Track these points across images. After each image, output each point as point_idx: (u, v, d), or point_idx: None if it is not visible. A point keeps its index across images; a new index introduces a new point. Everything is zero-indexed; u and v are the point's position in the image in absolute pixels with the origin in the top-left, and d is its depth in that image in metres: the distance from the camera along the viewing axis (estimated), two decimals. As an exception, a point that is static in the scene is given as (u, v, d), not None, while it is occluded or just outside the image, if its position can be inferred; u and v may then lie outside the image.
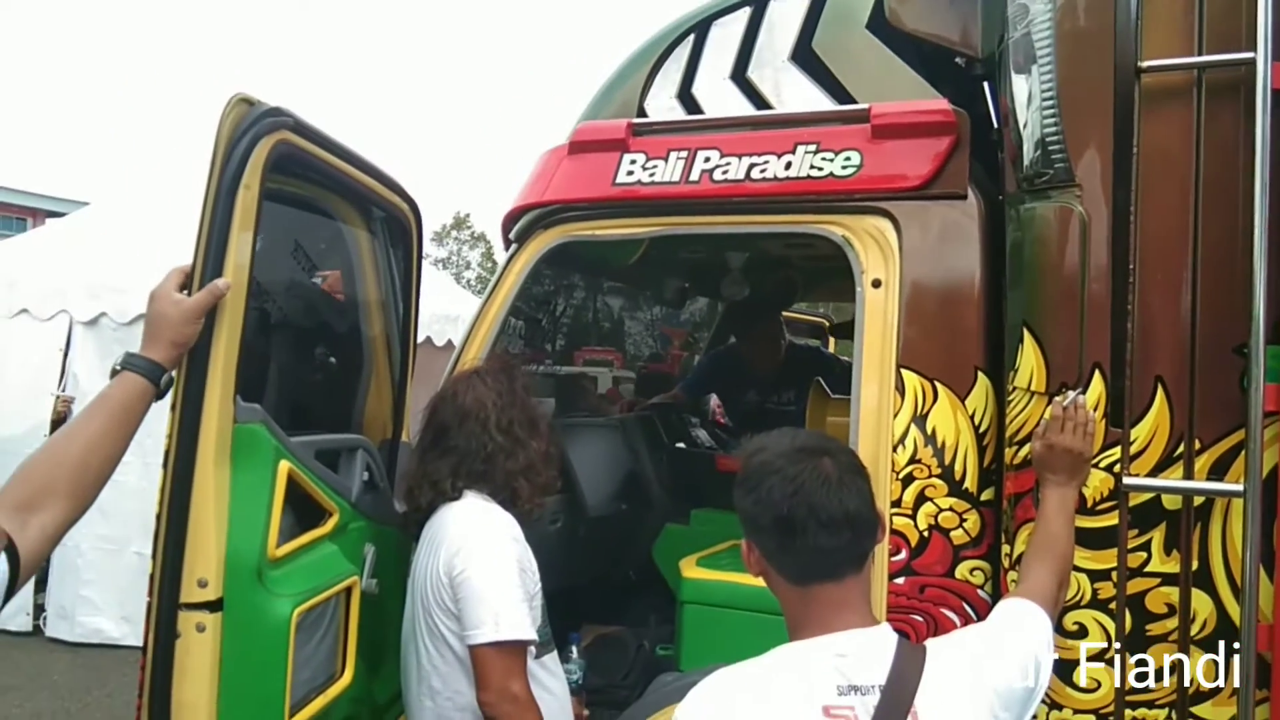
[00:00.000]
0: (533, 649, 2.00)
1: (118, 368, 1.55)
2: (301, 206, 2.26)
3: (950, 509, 2.09)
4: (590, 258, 3.49)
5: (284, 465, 1.76)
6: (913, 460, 2.10)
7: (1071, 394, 1.86)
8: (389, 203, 2.35)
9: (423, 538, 2.09)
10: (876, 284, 2.21)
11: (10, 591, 1.21)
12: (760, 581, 2.58)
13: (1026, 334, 1.94)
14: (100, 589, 6.09)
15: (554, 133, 2.73)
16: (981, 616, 2.01)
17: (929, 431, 2.11)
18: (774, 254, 3.62)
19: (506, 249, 2.85)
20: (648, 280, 4.01)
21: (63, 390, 6.12)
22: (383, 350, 2.57)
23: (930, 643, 1.49)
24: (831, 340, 5.35)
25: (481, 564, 1.93)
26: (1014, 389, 1.98)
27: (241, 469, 1.68)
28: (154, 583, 1.63)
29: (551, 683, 2.10)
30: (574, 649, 2.80)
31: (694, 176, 2.38)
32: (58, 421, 6.04)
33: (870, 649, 1.39)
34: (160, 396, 1.59)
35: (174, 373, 1.62)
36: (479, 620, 1.89)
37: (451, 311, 7.49)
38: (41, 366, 6.05)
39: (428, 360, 2.61)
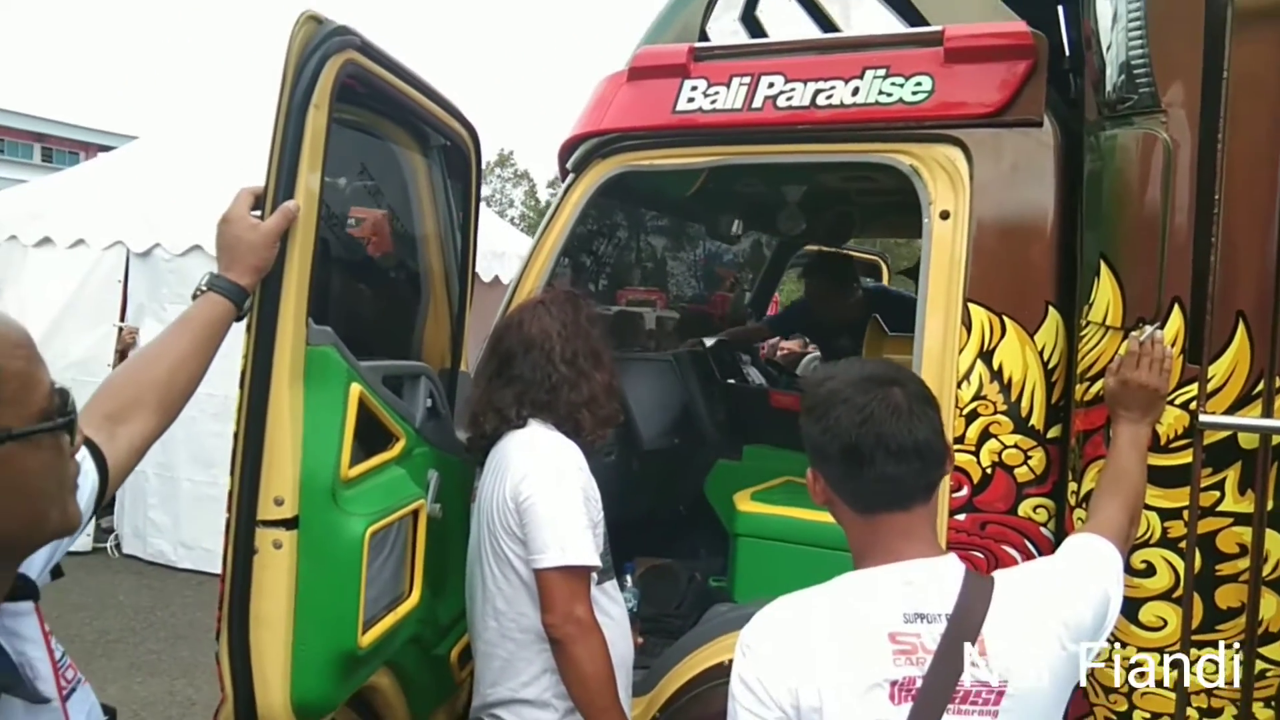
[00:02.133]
0: (595, 575, 2.04)
1: (203, 288, 1.58)
2: (359, 132, 2.26)
3: (1015, 446, 2.06)
4: (645, 190, 3.45)
5: (355, 388, 1.78)
6: (977, 396, 2.07)
7: (1149, 329, 1.81)
8: (450, 129, 2.33)
9: (488, 464, 2.11)
10: (945, 215, 2.15)
11: (100, 499, 1.25)
12: (814, 515, 2.63)
13: (1103, 266, 1.88)
14: (160, 513, 6.32)
15: (600, 65, 2.69)
16: (1044, 554, 2.00)
17: (995, 367, 2.07)
18: (831, 188, 3.55)
19: (563, 179, 2.83)
20: (701, 214, 3.95)
21: (124, 321, 6.26)
22: (440, 280, 2.57)
23: (998, 573, 1.48)
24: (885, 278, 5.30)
25: (547, 490, 1.95)
26: (1088, 323, 1.93)
27: (315, 390, 1.70)
28: (232, 500, 1.67)
29: (612, 608, 2.13)
30: (628, 578, 2.84)
31: (757, 103, 2.32)
32: (123, 352, 6.21)
33: (937, 578, 1.38)
34: (240, 318, 1.62)
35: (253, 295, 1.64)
36: (544, 545, 1.92)
37: (498, 248, 7.51)
38: (99, 296, 6.19)
39: (475, 296, 2.62)
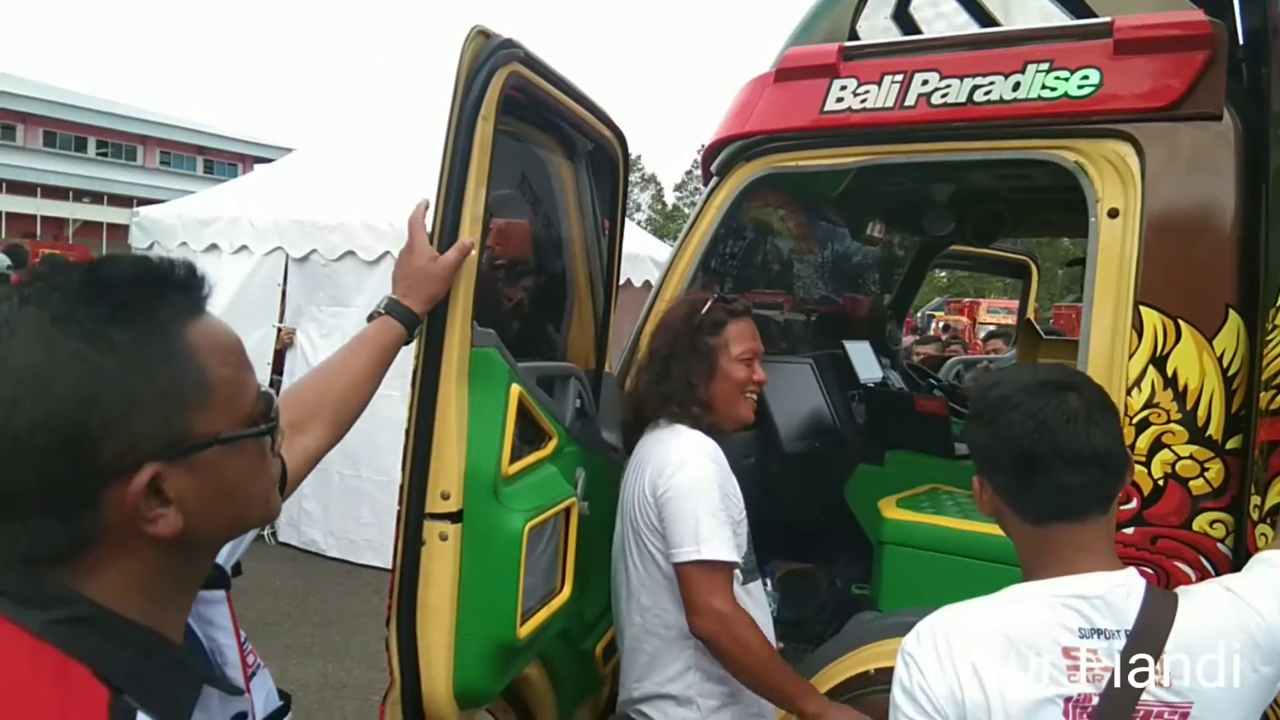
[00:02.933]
0: (738, 574, 2.04)
1: (381, 311, 1.68)
2: (513, 140, 2.33)
3: (1190, 457, 1.94)
4: (790, 190, 3.42)
5: (515, 388, 1.85)
6: (1149, 404, 1.96)
7: (1346, 333, 1.68)
8: (600, 134, 2.38)
9: (631, 461, 2.15)
10: (1113, 214, 2.05)
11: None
12: (963, 525, 2.55)
13: (1294, 267, 1.76)
14: (312, 504, 6.67)
15: (730, 67, 2.69)
16: (1220, 571, 1.88)
17: (1169, 374, 1.95)
18: (981, 186, 3.44)
19: (705, 183, 2.84)
20: (845, 216, 3.90)
21: (283, 323, 6.65)
22: (585, 283, 2.63)
23: (1182, 589, 1.41)
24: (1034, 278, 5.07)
25: (683, 484, 1.98)
26: (1275, 327, 1.80)
27: (478, 390, 1.77)
28: (403, 493, 1.75)
29: (755, 611, 2.12)
30: (768, 581, 2.82)
31: (910, 101, 2.27)
32: (281, 351, 6.60)
33: (1116, 592, 1.32)
34: (409, 342, 1.72)
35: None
36: (681, 539, 1.94)
37: (628, 250, 7.60)
38: (260, 298, 6.58)
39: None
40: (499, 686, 1.86)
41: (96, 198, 38.58)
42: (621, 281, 7.34)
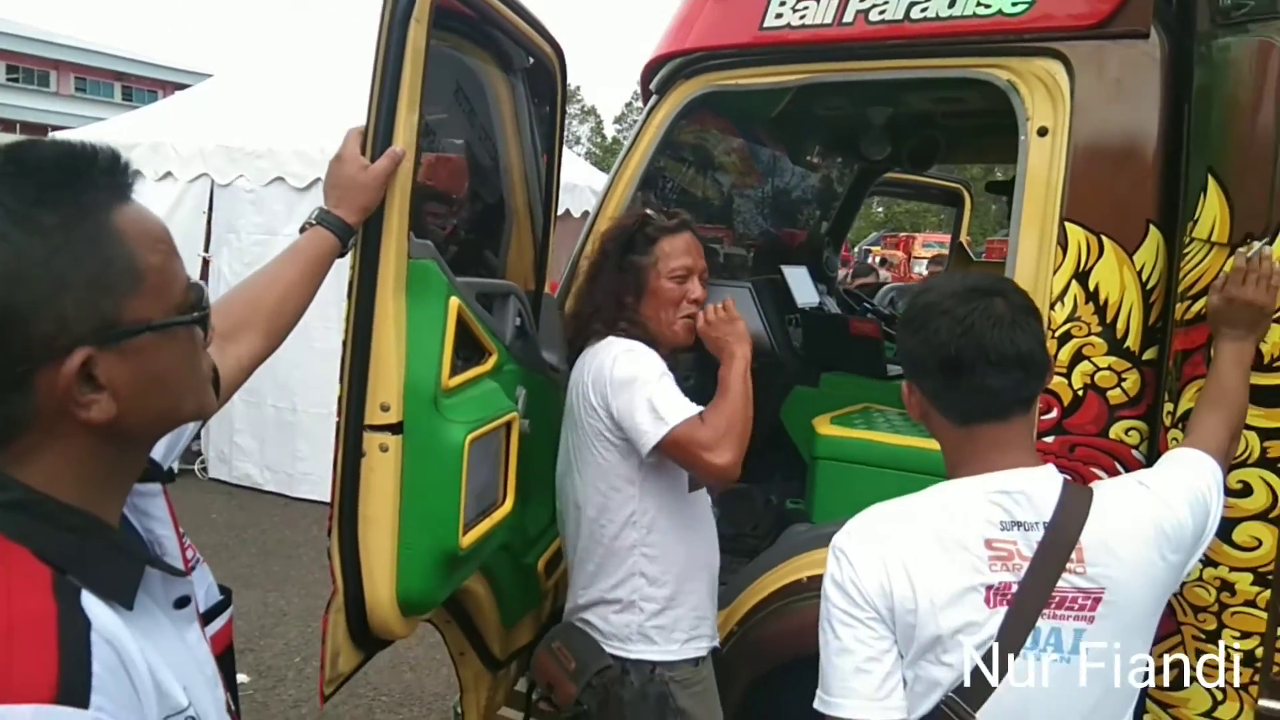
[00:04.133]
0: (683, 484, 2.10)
1: (312, 222, 1.64)
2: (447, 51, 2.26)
3: (1109, 368, 2.02)
4: (728, 112, 3.41)
5: (454, 301, 1.83)
6: (1071, 318, 2.03)
7: (1257, 245, 1.76)
8: (537, 48, 2.33)
9: (572, 376, 2.17)
10: (1043, 132, 2.09)
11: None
12: (894, 439, 2.63)
13: (1211, 181, 1.82)
14: (246, 438, 6.58)
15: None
16: (1135, 475, 1.98)
17: (1091, 288, 2.02)
18: (918, 110, 3.46)
19: (644, 101, 2.81)
20: (783, 139, 3.90)
21: (208, 252, 6.46)
22: (524, 205, 2.60)
23: (1097, 484, 1.48)
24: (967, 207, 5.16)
25: (623, 376, 2.01)
26: (1191, 240, 1.88)
27: (416, 302, 1.75)
28: (341, 404, 1.74)
29: (699, 520, 2.20)
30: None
31: (848, 17, 2.27)
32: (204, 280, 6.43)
33: (1035, 487, 1.39)
34: (343, 254, 1.69)
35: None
36: (644, 425, 1.97)
37: (568, 180, 7.51)
38: (186, 227, 6.38)
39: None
40: (441, 595, 1.89)
41: (8, 125, 36.62)
42: (560, 212, 7.28)
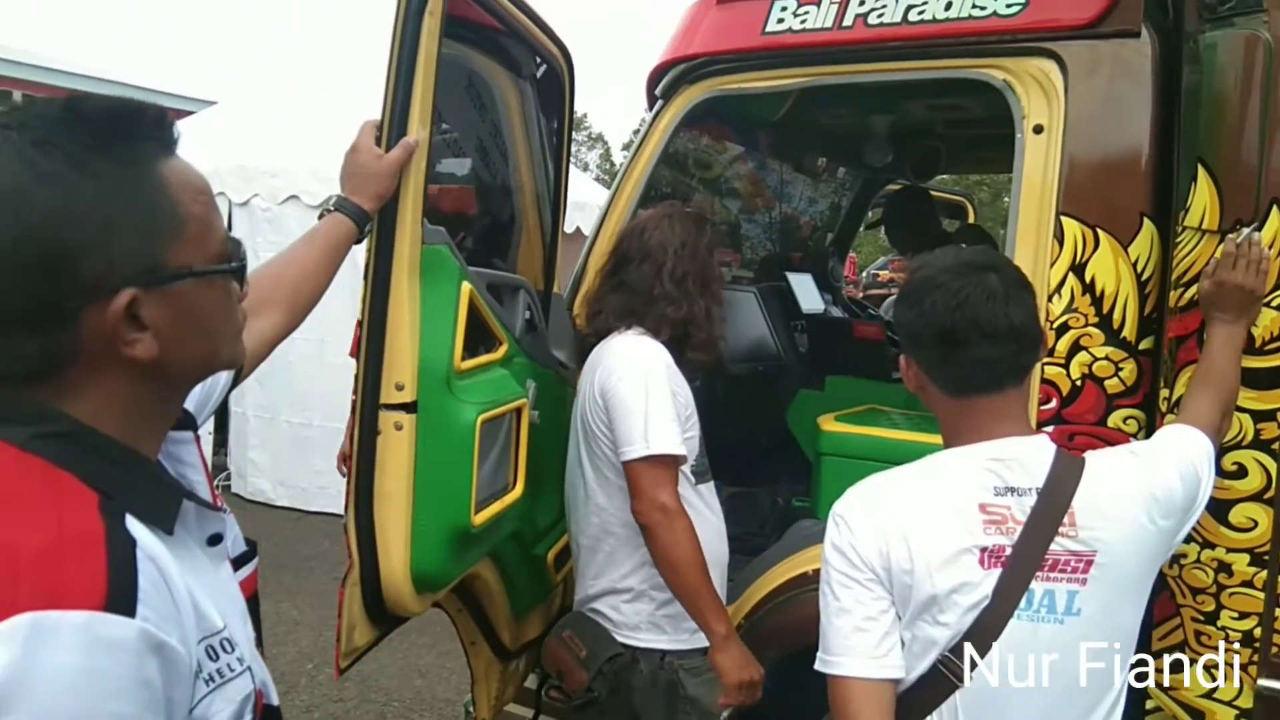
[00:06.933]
0: (690, 476, 2.12)
1: (330, 208, 1.71)
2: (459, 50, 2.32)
3: (1106, 358, 2.07)
4: (732, 118, 3.48)
5: (466, 286, 1.89)
6: (1069, 310, 2.08)
7: (1246, 230, 1.81)
8: (547, 52, 2.41)
9: (586, 367, 2.22)
10: (1038, 130, 2.15)
11: (234, 383, 1.38)
12: (898, 435, 2.67)
13: (1201, 170, 1.88)
14: (259, 453, 6.63)
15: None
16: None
17: (1088, 280, 2.07)
18: (919, 118, 3.53)
19: (650, 108, 2.88)
20: (787, 147, 3.97)
21: (224, 267, 6.54)
22: (533, 206, 2.67)
23: (1089, 453, 1.52)
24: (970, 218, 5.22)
25: (632, 384, 2.04)
26: (1183, 229, 1.92)
27: (430, 286, 1.82)
28: (358, 383, 1.80)
29: (708, 512, 2.21)
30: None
31: (847, 21, 2.34)
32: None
33: (1028, 455, 1.43)
34: (360, 240, 1.75)
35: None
36: (630, 437, 2.01)
37: (578, 199, 7.62)
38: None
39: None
40: (455, 572, 1.93)
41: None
42: (570, 230, 7.38)
